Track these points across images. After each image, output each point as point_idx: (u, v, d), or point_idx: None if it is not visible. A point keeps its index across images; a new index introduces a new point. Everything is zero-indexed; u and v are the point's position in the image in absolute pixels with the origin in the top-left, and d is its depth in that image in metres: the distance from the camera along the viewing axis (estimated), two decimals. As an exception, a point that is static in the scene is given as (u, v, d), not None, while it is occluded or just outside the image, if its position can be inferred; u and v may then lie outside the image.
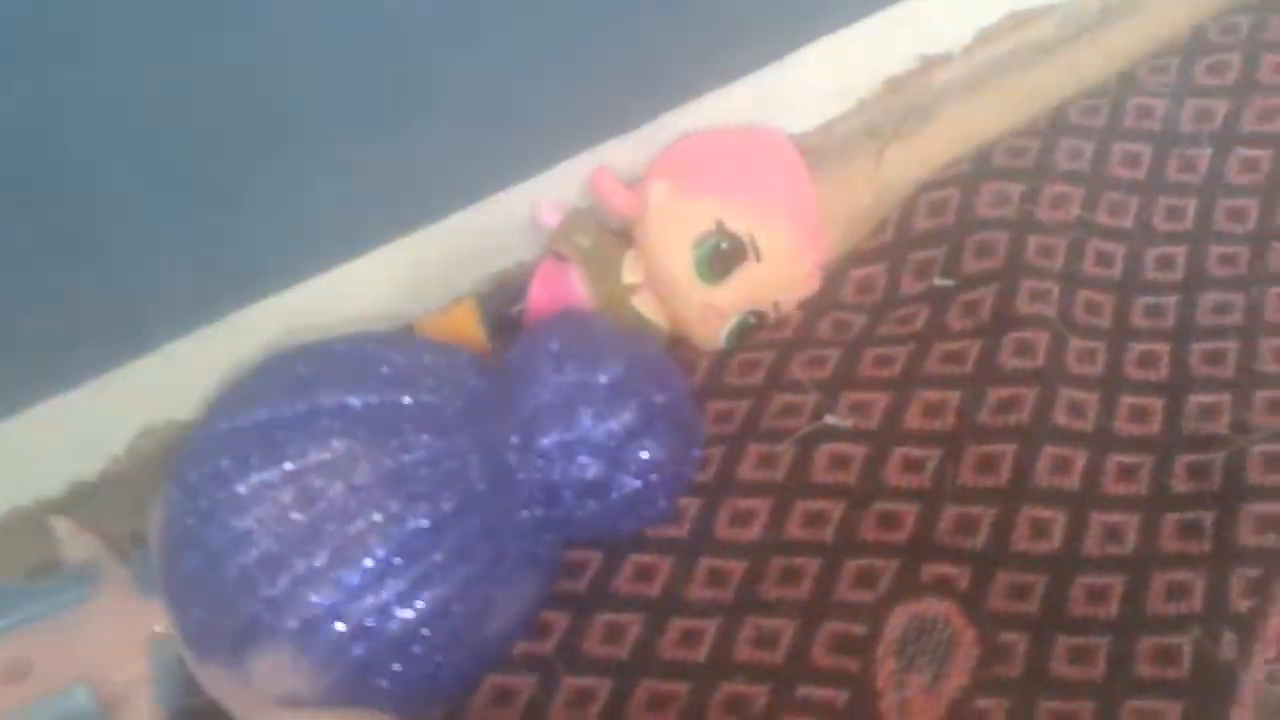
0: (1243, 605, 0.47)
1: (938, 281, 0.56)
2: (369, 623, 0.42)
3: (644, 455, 0.44)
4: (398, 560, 0.42)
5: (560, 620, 0.50)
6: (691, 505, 0.52)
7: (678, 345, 0.57)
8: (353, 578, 0.41)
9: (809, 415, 0.53)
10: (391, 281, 0.54)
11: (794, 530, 0.51)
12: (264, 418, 0.44)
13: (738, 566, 0.50)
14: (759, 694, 0.47)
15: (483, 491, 0.43)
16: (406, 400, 0.44)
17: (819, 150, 0.62)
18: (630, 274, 0.53)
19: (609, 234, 0.54)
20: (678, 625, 0.49)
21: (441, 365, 0.45)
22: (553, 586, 0.50)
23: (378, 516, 0.42)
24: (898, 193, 0.61)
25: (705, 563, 0.50)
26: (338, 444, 0.42)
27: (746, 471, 0.52)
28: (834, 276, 0.58)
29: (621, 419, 0.44)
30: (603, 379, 0.43)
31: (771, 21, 0.57)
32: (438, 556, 0.42)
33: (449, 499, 0.43)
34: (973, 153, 0.60)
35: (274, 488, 0.42)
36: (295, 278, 0.52)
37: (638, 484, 0.45)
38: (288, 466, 0.42)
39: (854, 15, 0.59)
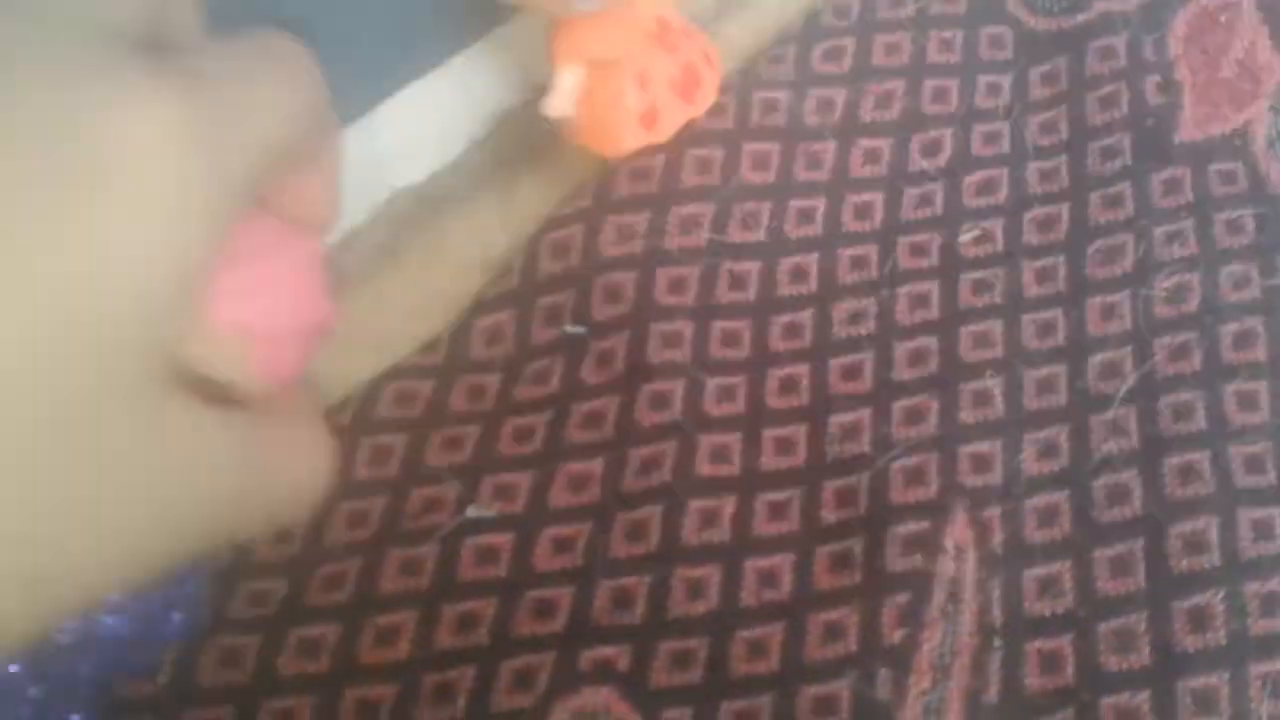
0: (895, 636, 0.49)
1: (568, 329, 0.55)
2: None
3: None
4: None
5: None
6: (329, 632, 0.49)
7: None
8: None
9: (451, 508, 0.52)
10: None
11: (445, 639, 0.49)
12: None
13: (387, 693, 0.48)
14: (423, 832, 0.46)
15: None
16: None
17: (446, 194, 0.60)
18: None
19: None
20: (330, 773, 0.47)
21: None
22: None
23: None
24: (534, 227, 0.59)
25: (351, 694, 0.48)
26: None
27: (388, 583, 0.50)
28: (459, 331, 0.56)
29: None
30: None
31: (351, 76, 0.54)
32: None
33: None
34: (597, 179, 0.58)
35: None
36: None
37: None
38: None
39: (442, 55, 0.56)
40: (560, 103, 0.55)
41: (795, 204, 0.59)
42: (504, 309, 0.57)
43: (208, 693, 0.48)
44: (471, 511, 0.52)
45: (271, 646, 0.49)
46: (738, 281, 0.57)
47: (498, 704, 0.48)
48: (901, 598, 0.50)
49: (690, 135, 0.58)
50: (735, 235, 0.58)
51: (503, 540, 0.51)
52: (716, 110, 0.59)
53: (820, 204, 0.59)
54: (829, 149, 0.60)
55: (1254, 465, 0.53)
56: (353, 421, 0.53)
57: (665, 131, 0.56)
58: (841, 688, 0.48)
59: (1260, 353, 0.56)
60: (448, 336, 0.56)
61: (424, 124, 0.58)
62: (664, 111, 0.56)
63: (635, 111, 0.55)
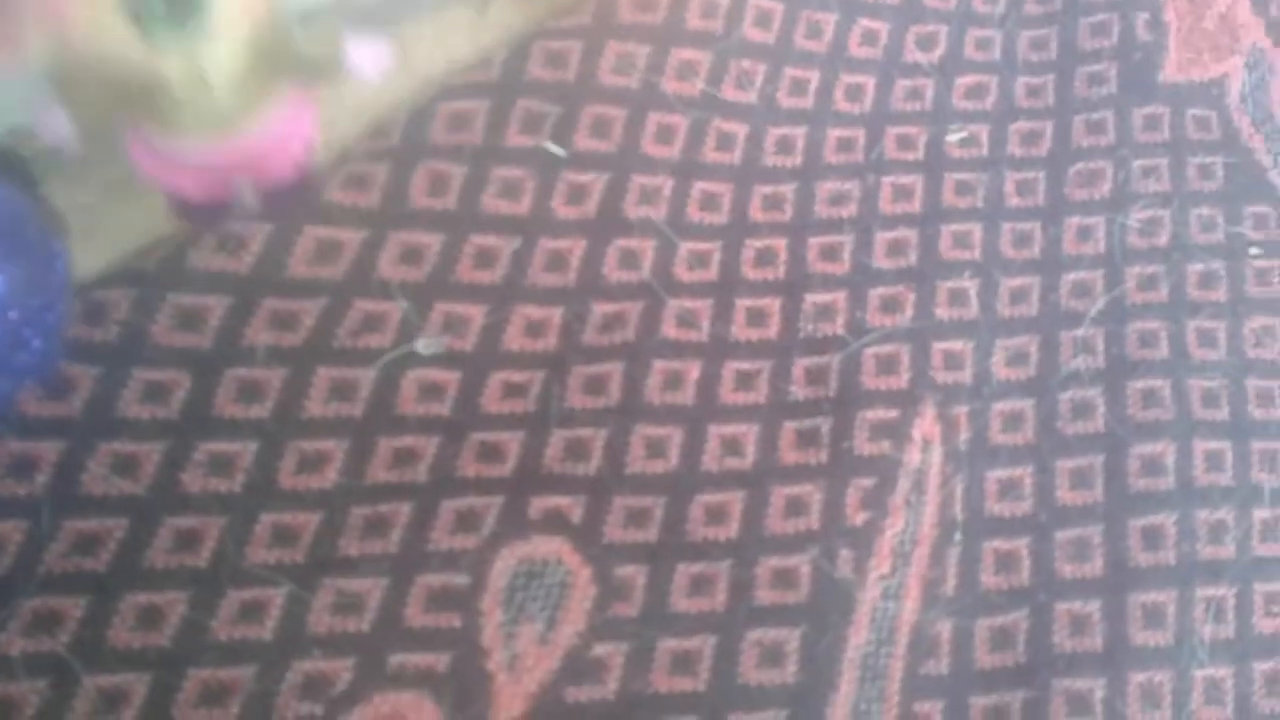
0: (858, 519, 0.49)
1: (549, 146, 0.53)
2: None
3: None
4: None
5: (73, 606, 0.42)
6: (246, 451, 0.45)
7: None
8: None
9: (395, 331, 0.48)
10: None
11: (379, 473, 0.46)
12: None
13: (309, 520, 0.45)
14: (341, 670, 0.43)
15: None
16: None
17: (412, -1, 0.56)
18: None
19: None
20: (236, 598, 0.43)
21: None
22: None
23: None
24: (503, 47, 0.56)
25: (268, 519, 0.45)
26: None
27: (317, 406, 0.47)
28: (418, 115, 0.53)
29: None
30: None
31: None
32: None
33: None
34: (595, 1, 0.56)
35: None
36: None
37: None
38: None
39: None
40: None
41: (790, 72, 0.58)
42: (476, 98, 0.53)
43: (96, 503, 0.44)
44: (422, 347, 0.48)
45: (175, 457, 0.45)
46: (724, 142, 0.56)
47: (437, 542, 0.45)
48: (866, 482, 0.50)
49: (696, -26, 0.56)
50: (729, 92, 0.56)
51: (448, 378, 0.49)
52: (729, -47, 0.57)
53: (814, 77, 0.58)
54: (830, 21, 0.60)
55: (1210, 399, 0.55)
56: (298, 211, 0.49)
57: (677, -38, 0.55)
58: (802, 562, 0.48)
59: (1221, 294, 0.58)
60: (404, 119, 0.52)
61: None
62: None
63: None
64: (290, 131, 0.46)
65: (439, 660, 0.44)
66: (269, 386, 0.47)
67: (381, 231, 0.49)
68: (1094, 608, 0.49)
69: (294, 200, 0.49)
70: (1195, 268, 0.59)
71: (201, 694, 0.42)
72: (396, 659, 0.44)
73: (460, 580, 0.45)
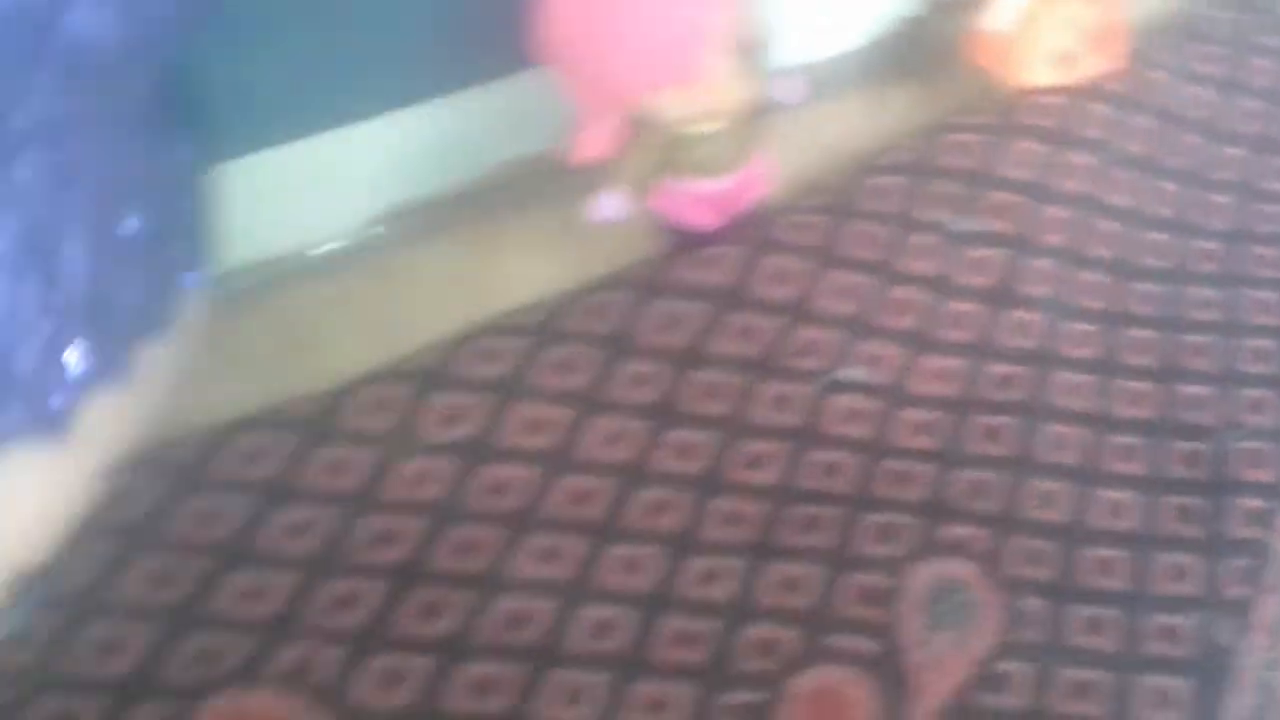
0: (1236, 592, 0.54)
1: (950, 224, 0.61)
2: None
3: None
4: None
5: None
6: (702, 439, 0.53)
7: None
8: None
9: (829, 358, 0.56)
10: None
11: (809, 480, 0.53)
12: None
13: (756, 510, 0.51)
14: (788, 639, 0.49)
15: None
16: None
17: (824, 81, 0.65)
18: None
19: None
20: (702, 564, 0.50)
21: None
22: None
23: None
24: (900, 135, 0.64)
25: (714, 505, 0.51)
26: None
27: (761, 412, 0.54)
28: (849, 181, 0.61)
29: None
30: None
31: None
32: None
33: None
34: (1000, 99, 0.64)
35: None
36: None
37: None
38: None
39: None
40: (1004, 15, 0.60)
41: (1157, 184, 0.66)
42: (896, 174, 0.62)
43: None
44: (845, 373, 0.56)
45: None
46: (1103, 240, 0.63)
47: (862, 547, 0.51)
48: (1240, 562, 0.55)
49: (1091, 89, 0.65)
50: (1108, 195, 0.64)
51: (868, 406, 0.55)
52: (1116, 74, 0.66)
53: (1174, 188, 0.66)
54: (1197, 143, 0.67)
55: None
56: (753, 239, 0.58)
57: (1074, 76, 0.62)
58: (1185, 623, 0.52)
59: None
60: (835, 184, 0.61)
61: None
62: (1080, 57, 0.62)
63: (1058, 49, 0.61)
64: (758, 174, 0.55)
65: (869, 646, 0.49)
66: (722, 390, 0.54)
67: (822, 274, 0.59)
68: None
69: (754, 227, 0.58)
70: None
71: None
72: (834, 639, 0.49)
73: (884, 583, 0.51)
